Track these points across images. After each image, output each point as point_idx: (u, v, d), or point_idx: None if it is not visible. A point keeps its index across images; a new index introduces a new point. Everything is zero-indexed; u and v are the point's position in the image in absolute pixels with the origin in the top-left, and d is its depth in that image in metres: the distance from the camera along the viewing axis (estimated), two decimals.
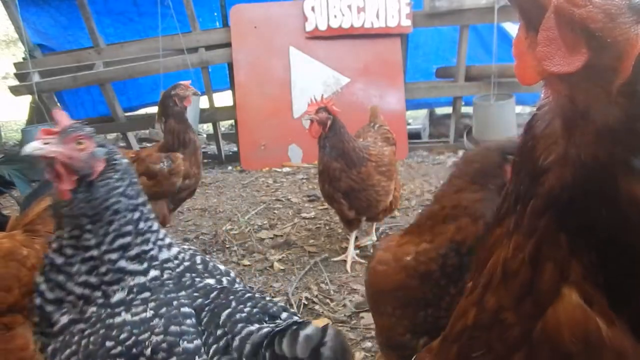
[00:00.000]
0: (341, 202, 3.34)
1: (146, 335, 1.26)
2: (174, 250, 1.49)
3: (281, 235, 4.02)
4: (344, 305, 2.91)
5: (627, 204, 0.59)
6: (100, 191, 1.38)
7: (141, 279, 1.38)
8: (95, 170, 1.39)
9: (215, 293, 1.41)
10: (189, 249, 1.58)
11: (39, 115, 6.90)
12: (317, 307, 2.91)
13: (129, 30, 7.84)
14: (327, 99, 3.38)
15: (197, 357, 1.26)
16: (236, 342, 1.26)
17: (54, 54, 7.21)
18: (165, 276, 1.42)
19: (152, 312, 1.31)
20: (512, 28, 7.72)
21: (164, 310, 1.32)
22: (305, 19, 6.54)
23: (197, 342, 1.28)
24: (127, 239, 1.38)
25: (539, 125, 0.67)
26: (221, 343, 1.27)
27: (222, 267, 1.57)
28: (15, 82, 7.02)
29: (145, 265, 1.40)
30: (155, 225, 1.48)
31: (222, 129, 8.87)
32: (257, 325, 1.29)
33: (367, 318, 2.77)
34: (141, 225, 1.42)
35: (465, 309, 0.79)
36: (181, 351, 1.25)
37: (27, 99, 7.73)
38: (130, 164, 1.49)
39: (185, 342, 1.27)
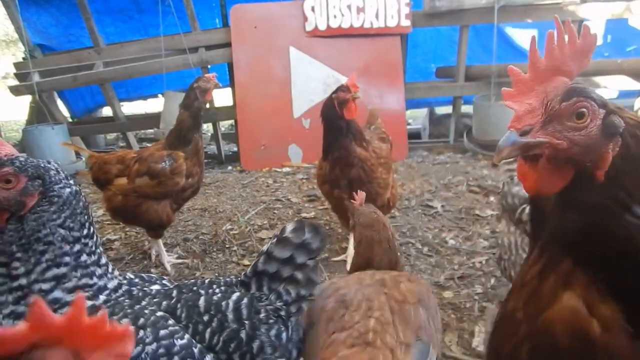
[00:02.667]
0: (343, 190, 3.34)
1: (138, 349, 1.27)
2: (115, 275, 1.48)
3: None
4: None
5: (622, 240, 0.82)
6: (31, 224, 1.32)
7: (88, 303, 1.34)
8: (26, 206, 1.32)
9: (175, 292, 1.47)
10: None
11: (39, 115, 6.91)
12: None
13: (129, 29, 7.86)
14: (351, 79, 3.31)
15: (194, 348, 1.32)
16: (230, 316, 1.38)
17: (54, 54, 7.22)
18: (118, 295, 1.42)
19: (131, 327, 1.29)
20: (512, 31, 7.75)
21: (142, 321, 1.32)
22: (305, 18, 6.54)
23: (187, 336, 1.34)
24: (63, 270, 1.32)
25: (541, 201, 1.01)
26: (214, 324, 1.37)
27: (153, 275, 1.63)
28: (15, 82, 7.02)
29: (90, 293, 1.35)
30: (104, 259, 1.43)
31: (222, 129, 8.87)
32: (236, 295, 1.44)
33: None
34: (83, 258, 1.36)
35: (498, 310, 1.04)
36: (179, 349, 1.30)
37: (27, 99, 7.73)
38: (76, 194, 1.38)
39: (179, 339, 1.32)
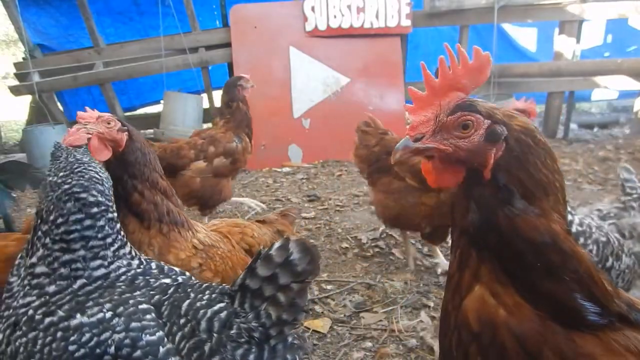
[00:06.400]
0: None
1: (107, 334, 1.31)
2: (125, 260, 1.52)
3: None
4: (344, 306, 2.91)
5: (507, 230, 0.95)
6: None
7: (82, 282, 1.42)
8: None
9: (172, 289, 1.49)
10: (146, 258, 1.63)
11: (39, 115, 6.91)
12: (317, 307, 2.91)
13: (129, 30, 7.86)
14: None
15: (160, 347, 1.34)
16: (203, 325, 1.36)
17: (54, 54, 7.22)
18: (111, 279, 1.46)
19: (110, 312, 1.35)
20: (512, 29, 7.75)
21: (121, 309, 1.36)
22: (305, 18, 6.55)
23: (160, 333, 1.36)
24: (48, 244, 1.45)
25: (453, 196, 1.08)
26: (186, 329, 1.37)
27: (178, 269, 1.65)
28: (15, 82, 7.03)
29: (79, 273, 1.43)
30: (105, 243, 1.48)
31: None
32: (219, 305, 1.39)
33: (367, 318, 2.77)
34: (49, 243, 1.44)
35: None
36: (144, 344, 1.32)
37: (27, 99, 7.74)
38: (54, 185, 1.49)
39: (148, 335, 1.34)
